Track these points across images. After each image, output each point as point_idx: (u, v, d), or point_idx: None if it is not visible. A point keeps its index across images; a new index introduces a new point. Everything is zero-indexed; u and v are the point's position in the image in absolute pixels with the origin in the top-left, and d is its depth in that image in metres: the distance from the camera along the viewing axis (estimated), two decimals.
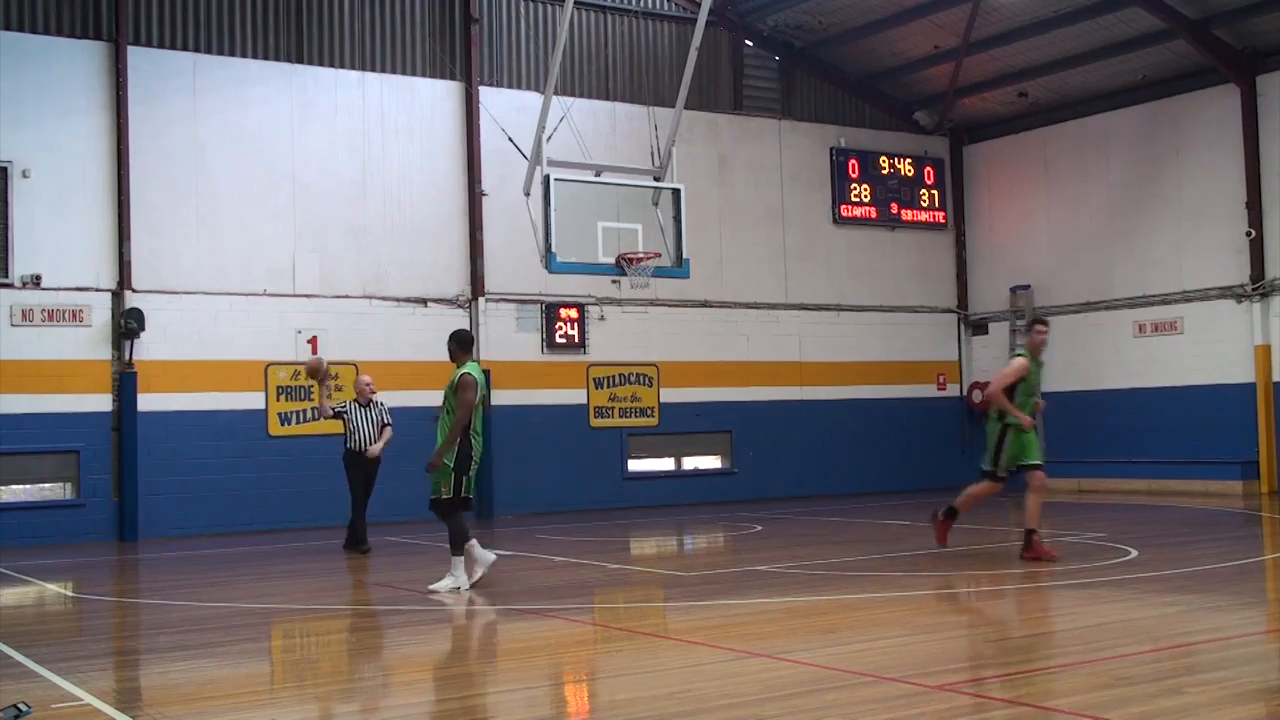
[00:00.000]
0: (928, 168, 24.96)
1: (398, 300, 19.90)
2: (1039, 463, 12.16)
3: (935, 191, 25.00)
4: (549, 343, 20.98)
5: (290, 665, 8.67)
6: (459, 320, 19.93)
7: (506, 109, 20.01)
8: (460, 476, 10.82)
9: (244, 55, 19.15)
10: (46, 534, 17.22)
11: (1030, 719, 6.06)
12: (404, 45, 20.43)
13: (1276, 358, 20.71)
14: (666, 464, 22.34)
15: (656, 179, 16.11)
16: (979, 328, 25.26)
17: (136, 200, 18.14)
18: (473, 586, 10.92)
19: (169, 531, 17.80)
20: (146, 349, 18.02)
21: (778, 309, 23.27)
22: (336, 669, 8.32)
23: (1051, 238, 23.92)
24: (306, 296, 19.19)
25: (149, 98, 18.38)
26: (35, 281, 17.49)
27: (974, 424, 24.91)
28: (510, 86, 21.08)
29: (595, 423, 21.40)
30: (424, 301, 20.08)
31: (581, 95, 21.22)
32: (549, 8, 21.52)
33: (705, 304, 22.41)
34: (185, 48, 18.77)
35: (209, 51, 18.90)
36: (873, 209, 24.36)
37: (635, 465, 21.88)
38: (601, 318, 21.49)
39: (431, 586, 10.93)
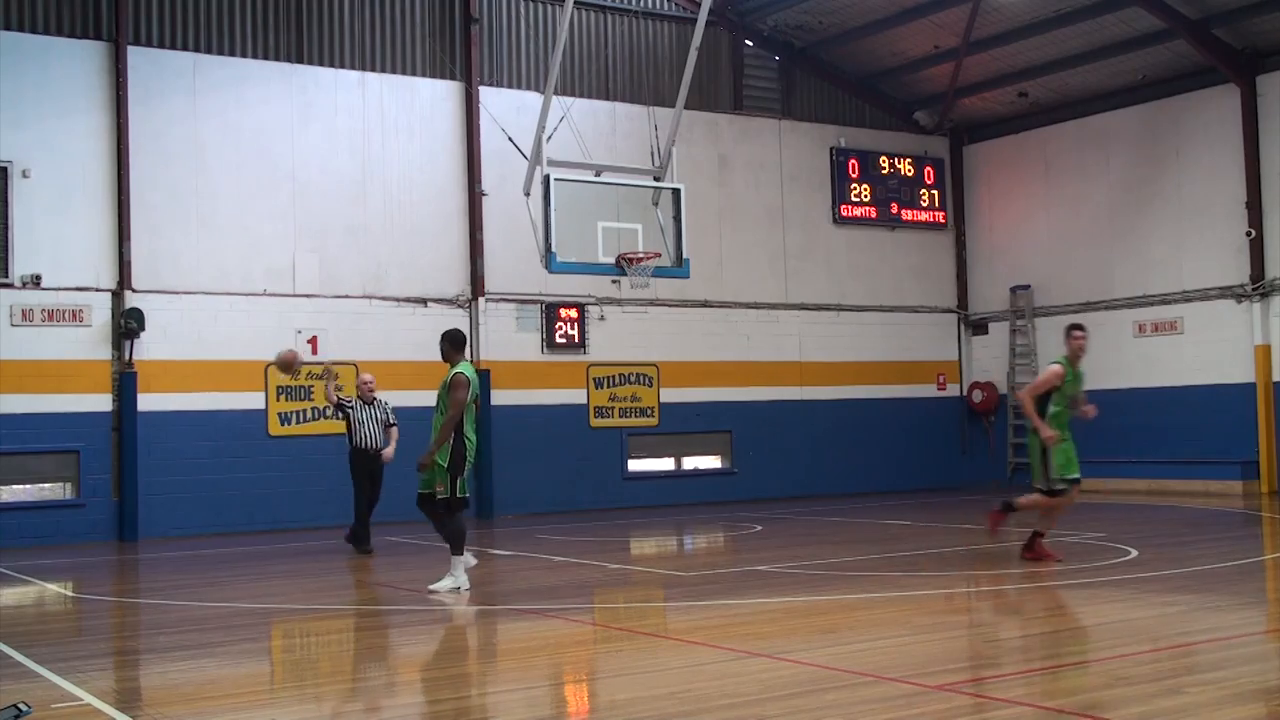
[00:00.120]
0: (928, 168, 24.95)
1: (398, 300, 19.89)
2: (1078, 477, 11.84)
3: (935, 191, 24.99)
4: (549, 343, 20.97)
5: (290, 665, 8.67)
6: (459, 320, 19.93)
7: (506, 109, 20.00)
8: (455, 477, 10.84)
9: (244, 55, 19.15)
10: (46, 534, 17.22)
11: (1030, 719, 6.06)
12: (404, 45, 20.42)
13: (1276, 358, 20.70)
14: (666, 464, 22.33)
15: (656, 179, 16.08)
16: (979, 328, 25.25)
17: (136, 200, 18.14)
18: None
19: (169, 531, 17.81)
20: (146, 349, 18.02)
21: (778, 309, 23.25)
22: (336, 669, 8.33)
23: (1051, 238, 23.91)
24: (306, 296, 19.19)
25: (149, 98, 18.38)
26: (35, 281, 17.49)
27: (974, 424, 24.97)
28: (510, 86, 21.08)
29: (595, 423, 21.40)
30: (424, 301, 20.08)
31: (581, 95, 21.19)
32: (549, 8, 21.52)
33: (705, 304, 22.40)
34: (185, 48, 18.77)
35: (209, 51, 18.90)
36: (873, 209, 24.35)
37: (635, 465, 21.87)
38: (601, 318, 21.48)
39: (431, 587, 10.94)
